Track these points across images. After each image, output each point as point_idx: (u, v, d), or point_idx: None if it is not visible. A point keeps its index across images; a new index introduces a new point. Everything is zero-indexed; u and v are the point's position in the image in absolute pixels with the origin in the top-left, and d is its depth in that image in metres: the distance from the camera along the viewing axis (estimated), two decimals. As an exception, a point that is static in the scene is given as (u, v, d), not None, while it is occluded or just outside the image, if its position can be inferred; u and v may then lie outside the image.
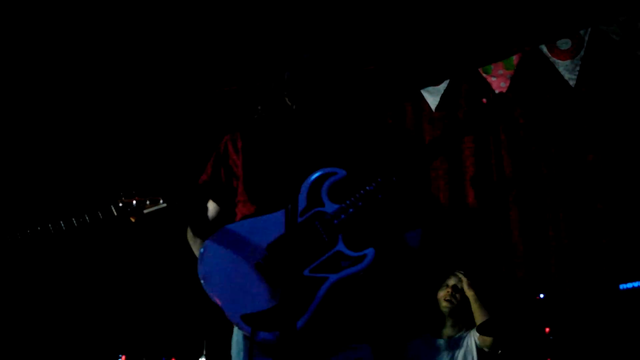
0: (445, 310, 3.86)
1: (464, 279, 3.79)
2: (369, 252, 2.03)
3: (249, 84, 4.34)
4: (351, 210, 2.09)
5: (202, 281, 2.09)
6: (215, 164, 2.40)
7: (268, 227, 2.11)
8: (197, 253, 2.24)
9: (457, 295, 3.85)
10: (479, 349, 3.72)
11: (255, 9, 4.01)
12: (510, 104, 4.10)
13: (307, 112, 2.20)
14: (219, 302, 2.05)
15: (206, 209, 2.40)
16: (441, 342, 3.86)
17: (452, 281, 3.92)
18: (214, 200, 2.38)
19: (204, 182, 2.40)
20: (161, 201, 2.72)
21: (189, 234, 2.34)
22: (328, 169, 2.16)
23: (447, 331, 3.87)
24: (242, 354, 2.09)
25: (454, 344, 3.83)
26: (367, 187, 2.11)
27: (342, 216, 2.09)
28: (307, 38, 4.19)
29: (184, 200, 2.29)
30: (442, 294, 3.92)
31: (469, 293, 3.75)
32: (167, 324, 4.23)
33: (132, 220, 2.69)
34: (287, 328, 1.68)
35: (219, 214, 2.38)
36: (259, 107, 2.19)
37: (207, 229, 2.27)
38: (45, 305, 4.23)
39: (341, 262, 2.05)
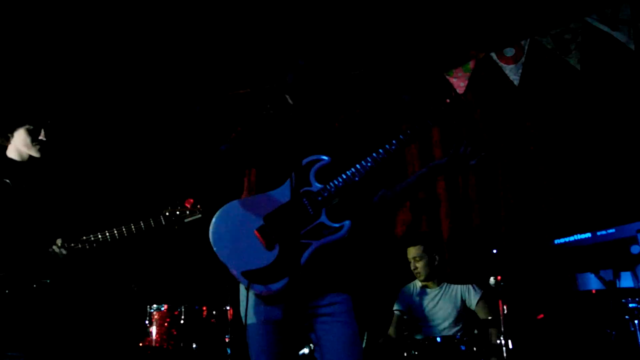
0: (421, 278, 4.35)
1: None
2: (346, 223, 2.28)
3: (259, 86, 4.88)
4: (333, 189, 2.32)
5: (212, 242, 2.32)
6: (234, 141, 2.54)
7: (266, 202, 2.35)
8: None
9: (419, 263, 4.30)
10: (465, 305, 4.22)
11: (264, 25, 4.52)
12: (469, 105, 4.61)
13: (304, 108, 2.44)
14: (223, 259, 2.30)
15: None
16: (429, 289, 4.36)
17: (410, 254, 4.35)
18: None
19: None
20: (198, 212, 3.20)
21: None
22: (315, 156, 2.38)
23: (432, 285, 4.37)
24: (245, 302, 2.34)
25: (441, 292, 4.33)
26: (347, 172, 2.33)
27: (325, 194, 2.31)
28: (304, 46, 4.49)
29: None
30: (412, 268, 4.35)
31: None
32: (200, 280, 4.71)
33: (175, 227, 3.20)
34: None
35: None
36: (268, 105, 2.49)
37: None
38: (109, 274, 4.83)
39: (323, 231, 2.28)
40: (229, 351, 4.01)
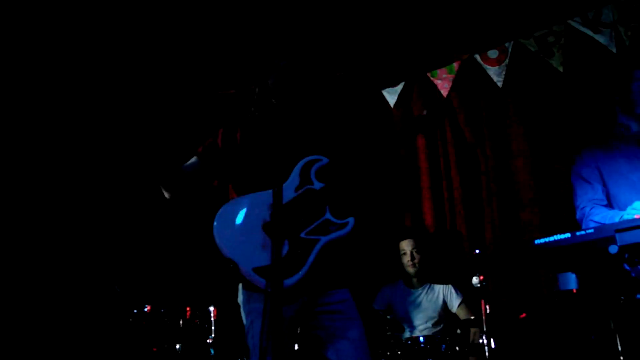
0: (411, 272, 4.41)
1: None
2: (350, 220, 2.36)
3: (245, 87, 5.01)
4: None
5: (216, 240, 2.29)
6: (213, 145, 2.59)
7: (269, 199, 2.23)
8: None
9: (416, 258, 4.38)
10: (446, 306, 4.30)
11: (251, 27, 4.56)
12: (448, 110, 4.70)
13: (290, 110, 2.48)
14: (232, 257, 2.26)
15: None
16: (411, 290, 4.41)
17: (408, 247, 4.43)
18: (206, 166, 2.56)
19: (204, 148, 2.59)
20: None
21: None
22: (315, 156, 2.45)
23: (416, 284, 4.44)
24: (244, 298, 2.38)
25: (423, 293, 4.40)
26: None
27: (327, 193, 2.39)
28: (289, 47, 4.68)
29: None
30: (405, 260, 4.42)
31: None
32: (183, 280, 4.71)
33: None
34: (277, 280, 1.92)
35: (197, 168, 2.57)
36: (252, 109, 2.45)
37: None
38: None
39: (330, 227, 2.35)
40: (212, 352, 4.00)
